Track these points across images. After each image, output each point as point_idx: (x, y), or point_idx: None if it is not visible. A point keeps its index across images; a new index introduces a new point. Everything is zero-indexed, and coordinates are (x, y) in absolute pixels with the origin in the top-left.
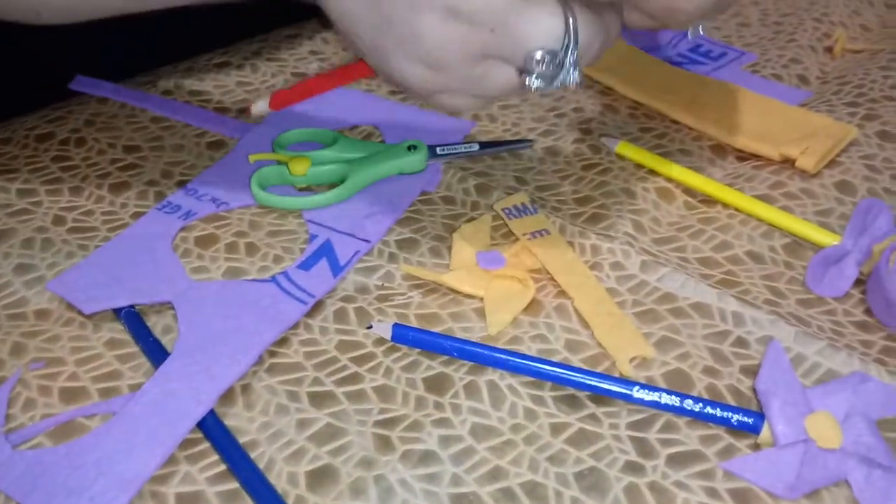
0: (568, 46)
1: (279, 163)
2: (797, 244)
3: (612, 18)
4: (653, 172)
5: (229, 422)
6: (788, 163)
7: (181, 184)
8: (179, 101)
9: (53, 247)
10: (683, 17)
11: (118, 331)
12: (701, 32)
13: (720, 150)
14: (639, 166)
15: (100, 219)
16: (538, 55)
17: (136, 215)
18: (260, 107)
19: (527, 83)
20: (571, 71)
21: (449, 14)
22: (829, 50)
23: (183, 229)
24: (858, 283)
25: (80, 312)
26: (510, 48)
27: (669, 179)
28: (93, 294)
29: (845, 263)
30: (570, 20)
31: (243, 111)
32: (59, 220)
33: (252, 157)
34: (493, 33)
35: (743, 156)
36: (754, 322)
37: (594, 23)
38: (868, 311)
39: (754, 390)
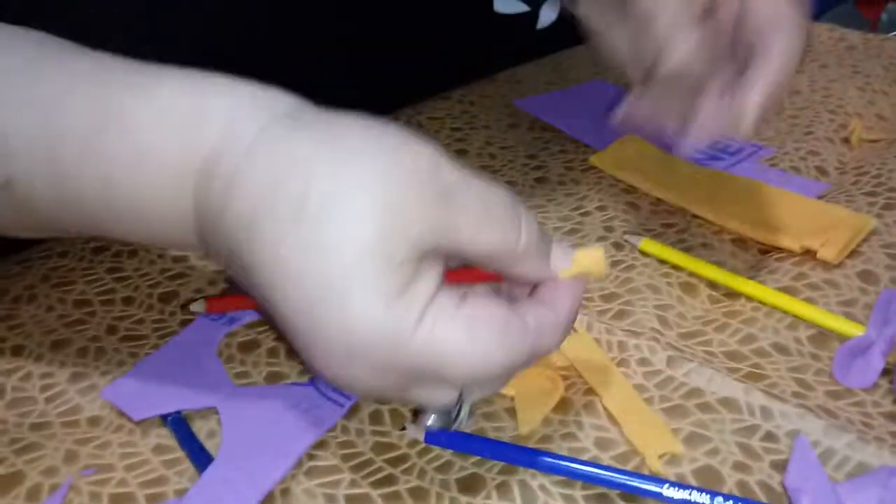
0: (459, 408)
1: None
2: (823, 335)
3: None
4: (676, 267)
5: None
6: (810, 254)
7: (226, 292)
8: None
9: (106, 355)
10: None
11: (164, 436)
12: None
13: (742, 243)
14: (662, 262)
15: (150, 327)
16: (429, 421)
17: (184, 323)
18: (197, 307)
19: (419, 424)
20: (465, 421)
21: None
22: (846, 140)
23: (227, 335)
24: (886, 372)
25: (129, 419)
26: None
27: (693, 274)
28: (142, 401)
29: (871, 354)
30: (463, 392)
31: (184, 306)
32: (111, 330)
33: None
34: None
35: (765, 248)
36: (783, 416)
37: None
38: None
39: (784, 487)
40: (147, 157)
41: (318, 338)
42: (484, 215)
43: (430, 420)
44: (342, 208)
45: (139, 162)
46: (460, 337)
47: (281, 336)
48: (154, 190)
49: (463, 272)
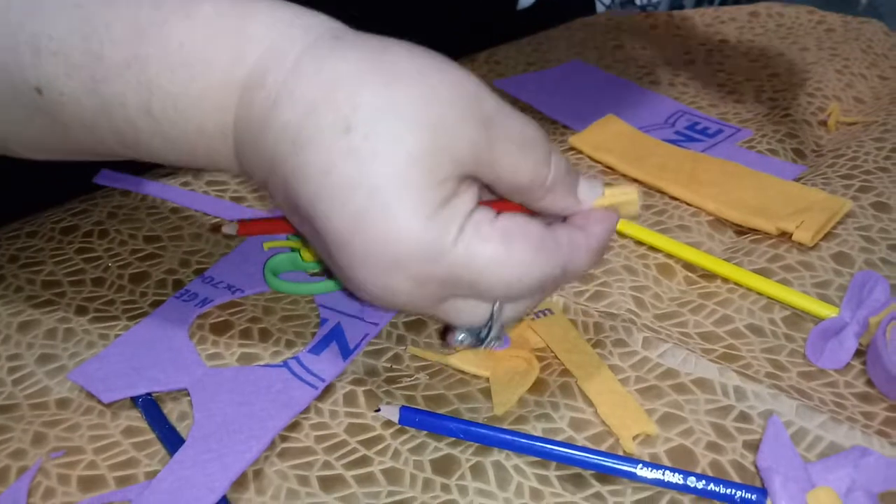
0: (490, 326)
1: (292, 250)
2: (797, 316)
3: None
4: (653, 249)
5: None
6: (785, 236)
7: (199, 272)
8: (198, 192)
9: (75, 337)
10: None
11: (135, 418)
12: None
13: (718, 225)
14: (639, 243)
15: (120, 308)
16: (459, 336)
17: (156, 304)
18: (229, 229)
19: (450, 341)
20: (493, 343)
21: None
22: (824, 123)
23: (199, 316)
24: (859, 353)
25: (99, 401)
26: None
27: (669, 255)
28: (112, 383)
29: (844, 335)
30: (496, 307)
31: (216, 228)
32: (81, 311)
33: (266, 245)
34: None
35: (741, 230)
36: (756, 396)
37: (521, 303)
38: (869, 383)
39: (757, 466)
40: (191, 68)
41: (361, 249)
42: (520, 145)
43: (461, 337)
44: (392, 120)
45: (183, 70)
46: (498, 248)
47: (255, 318)
48: (196, 98)
49: (491, 202)
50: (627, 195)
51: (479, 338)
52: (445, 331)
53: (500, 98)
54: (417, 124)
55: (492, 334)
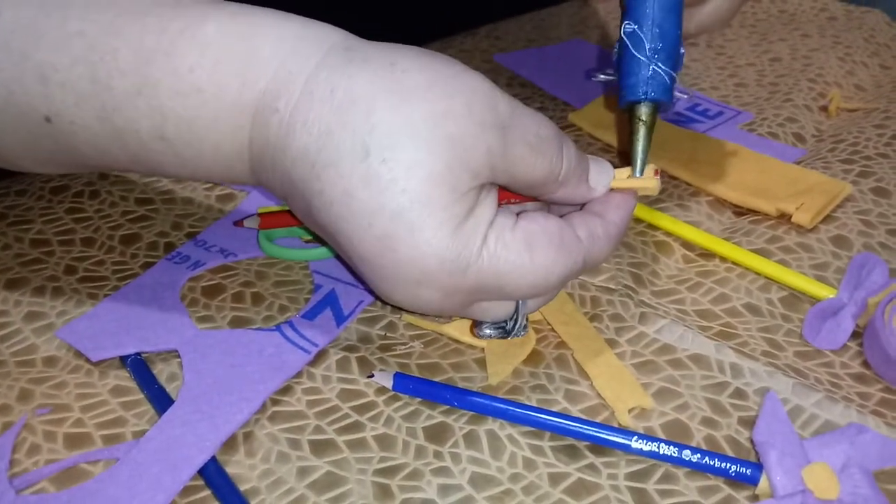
0: (516, 319)
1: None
2: (794, 297)
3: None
4: (652, 227)
5: (231, 469)
6: (785, 218)
7: (191, 235)
8: None
9: (64, 295)
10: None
11: (124, 378)
12: None
13: (717, 205)
14: (638, 220)
15: (110, 269)
16: (486, 331)
17: (146, 266)
18: (250, 223)
19: (478, 334)
20: (520, 332)
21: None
22: (825, 109)
23: (191, 279)
24: (856, 335)
25: (87, 360)
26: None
27: (668, 233)
28: (100, 342)
29: (842, 316)
30: (520, 302)
31: (237, 224)
32: (70, 270)
33: (260, 210)
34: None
35: (740, 211)
36: (752, 374)
37: (541, 298)
38: (865, 364)
39: (752, 442)
40: (203, 93)
41: (389, 268)
42: (535, 146)
43: (488, 331)
44: (409, 141)
45: (195, 95)
46: (521, 254)
47: (247, 282)
48: (211, 121)
49: (506, 192)
50: (648, 180)
51: (505, 330)
52: (474, 324)
53: (512, 98)
54: (434, 142)
55: (517, 326)
